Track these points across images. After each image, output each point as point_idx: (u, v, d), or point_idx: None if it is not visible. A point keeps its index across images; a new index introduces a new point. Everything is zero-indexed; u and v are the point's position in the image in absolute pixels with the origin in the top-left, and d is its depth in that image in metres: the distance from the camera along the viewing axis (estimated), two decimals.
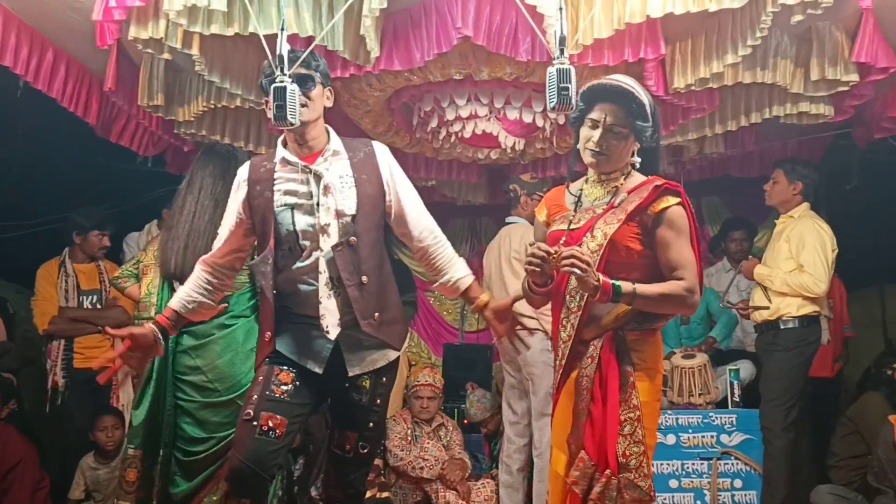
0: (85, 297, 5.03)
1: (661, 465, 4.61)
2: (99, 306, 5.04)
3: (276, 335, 2.75)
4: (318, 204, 2.69)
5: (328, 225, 2.69)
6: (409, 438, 4.96)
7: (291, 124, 2.61)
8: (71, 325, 4.97)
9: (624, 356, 2.44)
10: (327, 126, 2.83)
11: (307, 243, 2.69)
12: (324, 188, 2.71)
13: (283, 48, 2.66)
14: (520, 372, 4.63)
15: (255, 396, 2.70)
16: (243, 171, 2.85)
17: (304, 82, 2.70)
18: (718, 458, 4.63)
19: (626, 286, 2.38)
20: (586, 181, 2.65)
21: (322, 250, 2.68)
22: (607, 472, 2.37)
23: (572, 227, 2.54)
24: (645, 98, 2.53)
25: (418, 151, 5.40)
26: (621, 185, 2.55)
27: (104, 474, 4.70)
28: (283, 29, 2.75)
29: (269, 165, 2.79)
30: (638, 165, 2.58)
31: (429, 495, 4.78)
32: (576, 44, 3.66)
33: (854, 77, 4.06)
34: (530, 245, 2.47)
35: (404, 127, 5.00)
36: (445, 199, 6.42)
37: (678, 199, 2.48)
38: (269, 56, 2.72)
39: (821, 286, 4.41)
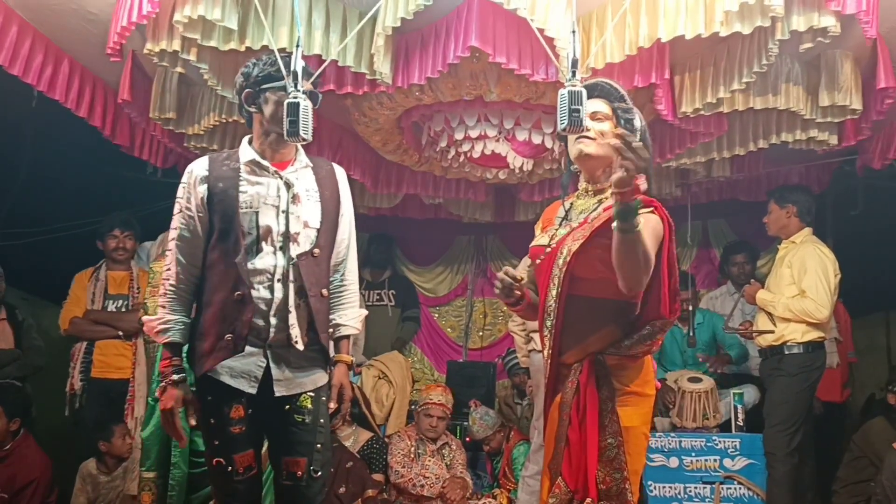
0: (111, 301, 5.08)
1: (664, 487, 4.60)
2: (124, 310, 5.06)
3: (206, 354, 2.65)
4: (286, 211, 2.70)
5: (297, 234, 2.70)
6: (412, 456, 4.95)
7: (304, 140, 2.62)
8: (91, 326, 5.00)
9: (604, 381, 2.36)
10: None
11: (268, 247, 2.67)
12: (293, 197, 2.73)
13: (298, 64, 2.69)
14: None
15: (217, 442, 2.67)
16: (201, 168, 2.76)
17: (314, 98, 2.74)
18: (721, 483, 4.61)
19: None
20: (578, 196, 2.61)
21: (293, 259, 2.68)
22: (588, 500, 2.31)
23: (551, 243, 2.51)
24: (621, 89, 2.54)
25: (427, 170, 5.42)
26: (606, 198, 2.47)
27: (105, 482, 4.71)
28: (298, 45, 2.78)
29: (232, 164, 2.75)
30: None
31: None
32: (586, 68, 3.68)
33: (860, 105, 4.09)
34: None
35: (413, 146, 5.02)
36: (452, 216, 6.45)
37: (651, 210, 2.36)
38: (284, 71, 2.74)
39: (823, 311, 4.41)
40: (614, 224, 2.17)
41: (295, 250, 2.69)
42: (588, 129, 2.46)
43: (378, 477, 4.76)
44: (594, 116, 2.49)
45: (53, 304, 5.41)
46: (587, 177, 2.57)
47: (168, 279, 2.72)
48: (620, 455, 2.32)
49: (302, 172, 2.80)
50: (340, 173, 2.94)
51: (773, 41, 3.70)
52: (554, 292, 2.41)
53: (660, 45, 3.77)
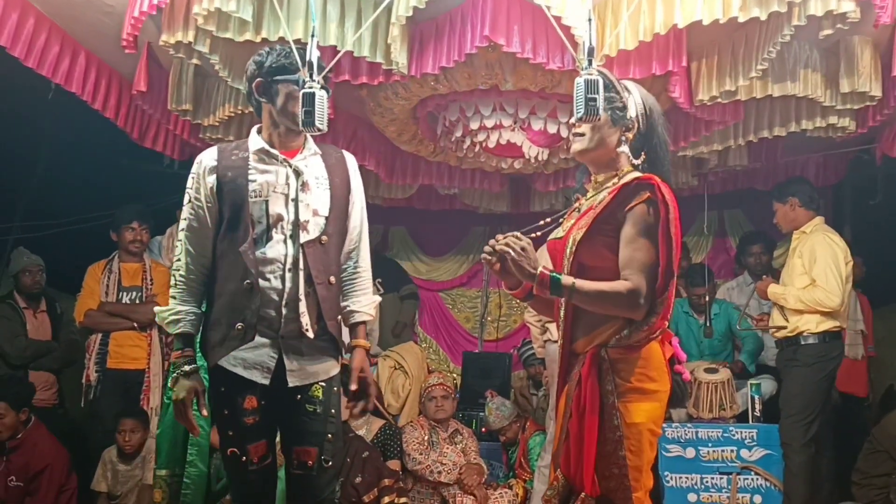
0: (125, 293, 5.11)
1: (680, 478, 4.59)
2: (138, 302, 5.10)
3: (218, 344, 2.66)
4: (295, 199, 2.70)
5: (307, 222, 2.70)
6: (427, 444, 4.97)
7: (319, 130, 2.60)
8: (106, 318, 5.03)
9: (605, 375, 2.32)
10: None
11: (278, 235, 2.67)
12: (302, 184, 2.72)
13: (314, 54, 2.68)
14: None
15: (231, 433, 2.68)
16: (210, 158, 2.75)
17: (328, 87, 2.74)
18: (738, 473, 4.59)
19: (565, 279, 2.29)
20: (590, 188, 2.57)
21: (302, 246, 2.68)
22: (583, 495, 2.29)
23: (559, 235, 2.50)
24: (611, 77, 2.50)
25: (442, 160, 5.42)
26: (612, 185, 2.44)
27: (123, 472, 4.75)
28: (313, 35, 2.77)
29: (240, 154, 2.75)
30: (639, 165, 2.47)
31: (446, 500, 4.79)
32: (602, 56, 3.67)
33: (879, 92, 4.06)
34: None
35: (429, 136, 5.01)
36: (467, 207, 6.45)
37: (647, 195, 2.33)
38: (299, 62, 2.74)
39: (834, 300, 4.37)
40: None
41: (304, 238, 2.69)
42: (579, 125, 2.46)
43: (394, 465, 4.77)
44: None
45: (71, 295, 5.47)
46: (594, 168, 2.55)
47: (178, 270, 2.72)
48: (619, 451, 2.28)
49: (311, 160, 2.80)
50: (351, 161, 2.93)
51: (790, 26, 3.67)
52: None
53: (676, 32, 3.75)
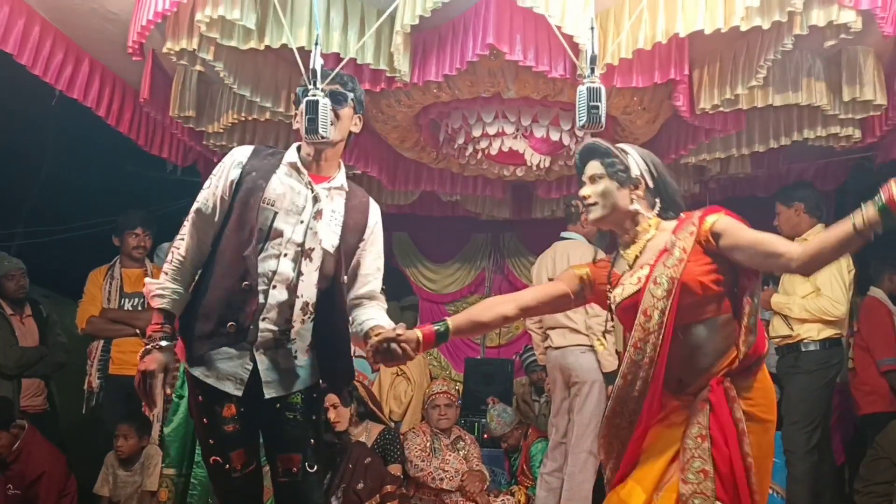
0: (127, 300, 5.09)
1: None
2: (140, 309, 5.10)
3: (206, 336, 2.61)
4: (304, 223, 2.65)
5: (312, 250, 2.66)
6: (429, 451, 4.97)
7: (322, 138, 2.61)
8: (108, 325, 5.02)
9: (733, 402, 2.35)
10: (341, 160, 2.81)
11: (272, 250, 2.62)
12: (316, 212, 2.67)
13: (317, 62, 2.69)
14: (567, 389, 4.59)
15: (212, 441, 2.66)
16: (242, 153, 2.72)
17: (336, 99, 2.70)
18: None
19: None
20: (623, 252, 2.59)
21: (303, 274, 2.64)
22: None
23: (627, 294, 2.48)
24: (606, 145, 2.55)
25: (444, 167, 5.44)
26: (653, 236, 2.49)
27: (122, 477, 4.76)
28: (316, 43, 2.80)
29: (273, 160, 2.72)
30: (657, 208, 2.53)
31: None
32: (604, 65, 3.68)
33: (884, 101, 4.07)
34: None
35: (431, 143, 5.03)
36: (469, 213, 6.46)
37: (721, 213, 2.42)
38: (303, 70, 2.76)
39: (839, 308, 4.37)
40: (863, 223, 2.23)
41: (306, 266, 2.66)
42: (588, 196, 2.52)
43: (396, 469, 4.76)
44: (592, 180, 2.53)
45: (74, 301, 5.47)
46: (618, 230, 2.58)
47: (178, 249, 2.67)
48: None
49: (335, 193, 2.75)
50: (374, 208, 2.88)
51: (790, 36, 3.68)
52: (650, 324, 2.36)
53: (678, 40, 3.77)
